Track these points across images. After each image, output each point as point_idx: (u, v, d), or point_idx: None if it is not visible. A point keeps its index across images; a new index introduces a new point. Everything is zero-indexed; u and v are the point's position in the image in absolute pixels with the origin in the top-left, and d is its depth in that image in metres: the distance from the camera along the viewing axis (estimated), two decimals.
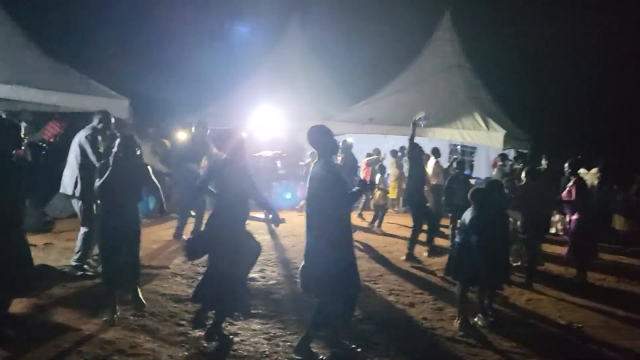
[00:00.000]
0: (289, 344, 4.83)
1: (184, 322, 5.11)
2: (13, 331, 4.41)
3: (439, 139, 13.83)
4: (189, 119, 14.19)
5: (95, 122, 6.36)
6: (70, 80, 10.54)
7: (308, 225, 4.46)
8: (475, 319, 5.61)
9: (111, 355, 4.27)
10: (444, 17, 15.09)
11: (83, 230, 6.23)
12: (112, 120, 6.47)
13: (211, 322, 4.75)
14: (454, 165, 9.13)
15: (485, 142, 12.88)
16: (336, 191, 4.34)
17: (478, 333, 5.42)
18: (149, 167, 5.39)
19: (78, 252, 6.18)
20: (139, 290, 5.39)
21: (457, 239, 5.57)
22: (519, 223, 7.37)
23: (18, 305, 4.93)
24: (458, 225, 5.96)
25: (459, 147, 16.90)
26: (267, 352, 4.63)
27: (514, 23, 19.26)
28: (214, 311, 4.79)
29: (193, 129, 8.83)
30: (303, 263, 4.50)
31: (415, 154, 8.35)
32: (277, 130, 13.69)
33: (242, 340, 4.82)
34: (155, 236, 8.56)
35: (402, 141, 15.82)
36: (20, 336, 4.42)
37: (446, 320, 5.69)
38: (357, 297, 4.67)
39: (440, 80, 14.25)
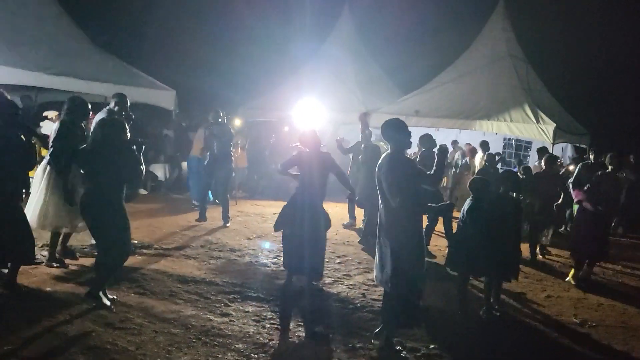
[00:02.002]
0: (275, 326, 4.88)
1: (180, 302, 5.26)
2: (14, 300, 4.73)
3: (492, 133, 13.39)
4: (239, 111, 14.65)
5: (111, 104, 6.62)
6: (119, 71, 11.05)
7: (380, 223, 4.46)
8: (480, 313, 5.43)
9: (98, 327, 4.46)
10: (498, 5, 14.52)
11: None
12: (128, 103, 6.69)
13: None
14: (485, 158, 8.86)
15: (534, 135, 12.29)
16: (405, 184, 4.22)
17: (483, 326, 5.26)
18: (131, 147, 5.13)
19: None
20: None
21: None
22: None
23: (28, 278, 5.28)
24: None
25: (513, 140, 16.31)
26: (250, 333, 4.69)
27: (574, 10, 18.23)
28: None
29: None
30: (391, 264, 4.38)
31: (426, 141, 7.89)
32: (321, 122, 13.71)
33: (230, 321, 4.91)
34: (176, 220, 8.87)
35: (454, 134, 15.60)
36: (20, 306, 4.71)
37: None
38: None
39: (491, 71, 13.71)
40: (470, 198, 5.29)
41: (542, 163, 8.35)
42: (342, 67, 15.18)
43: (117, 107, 6.58)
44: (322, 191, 5.99)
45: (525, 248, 8.53)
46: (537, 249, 8.29)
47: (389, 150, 4.42)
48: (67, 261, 5.99)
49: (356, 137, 10.20)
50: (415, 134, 11.98)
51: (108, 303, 4.85)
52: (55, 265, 5.83)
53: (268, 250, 7.57)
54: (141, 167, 4.98)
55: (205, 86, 13.85)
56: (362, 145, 9.18)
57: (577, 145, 14.03)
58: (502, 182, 5.61)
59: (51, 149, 5.65)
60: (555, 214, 8.33)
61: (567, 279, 7.09)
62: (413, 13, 18.43)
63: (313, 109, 13.23)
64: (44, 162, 5.82)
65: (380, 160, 4.41)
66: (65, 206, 5.51)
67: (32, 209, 5.66)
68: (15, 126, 5.00)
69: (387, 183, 4.23)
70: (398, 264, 4.28)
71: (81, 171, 5.07)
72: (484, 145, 11.86)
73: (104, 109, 6.66)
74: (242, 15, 17.05)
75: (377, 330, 4.67)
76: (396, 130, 4.38)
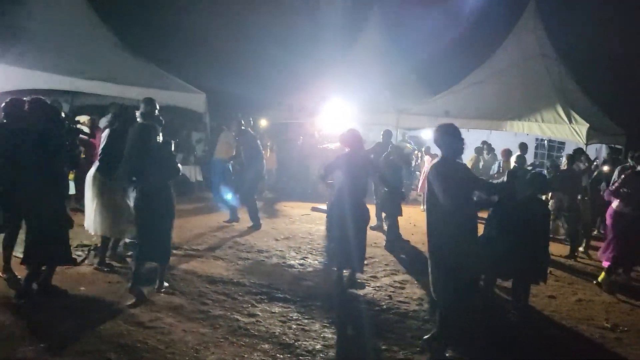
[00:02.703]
0: (302, 327, 4.92)
1: (209, 302, 5.36)
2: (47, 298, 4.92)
3: (523, 134, 13.21)
4: (268, 113, 14.81)
5: (141, 108, 6.76)
6: (150, 75, 11.31)
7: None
8: (508, 316, 5.39)
9: (129, 326, 4.59)
10: (529, 4, 14.30)
11: None
12: (157, 107, 6.82)
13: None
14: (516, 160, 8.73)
15: (567, 136, 12.06)
16: (457, 190, 4.21)
17: (510, 330, 5.20)
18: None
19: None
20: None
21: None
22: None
23: (63, 278, 5.46)
24: None
25: (545, 141, 16.04)
26: (277, 333, 4.74)
27: (608, 7, 17.78)
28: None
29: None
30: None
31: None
32: (349, 123, 13.74)
33: (257, 321, 4.97)
34: (206, 221, 9.03)
35: (485, 136, 15.40)
36: (55, 305, 4.89)
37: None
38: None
39: (522, 71, 13.52)
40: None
41: (564, 160, 8.75)
42: (371, 68, 15.15)
43: (146, 111, 6.70)
44: (364, 188, 6.23)
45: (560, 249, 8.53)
46: (582, 246, 8.56)
47: (440, 156, 4.41)
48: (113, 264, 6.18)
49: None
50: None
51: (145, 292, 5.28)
52: (105, 269, 6.01)
53: (295, 252, 7.62)
54: (178, 164, 5.49)
55: (235, 88, 14.01)
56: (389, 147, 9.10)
57: (612, 145, 13.71)
58: (529, 185, 5.56)
59: (101, 156, 5.86)
60: (582, 209, 8.48)
61: (595, 281, 6.94)
62: (443, 13, 18.30)
63: (341, 110, 13.31)
64: (93, 168, 6.01)
65: (430, 165, 4.41)
66: (113, 212, 5.79)
67: (87, 215, 5.94)
68: (56, 128, 5.15)
69: (438, 189, 4.20)
70: (438, 270, 4.28)
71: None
72: (523, 147, 11.73)
73: (137, 113, 6.81)
74: (271, 17, 17.20)
75: (426, 336, 4.61)
76: (449, 136, 4.35)
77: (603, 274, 6.89)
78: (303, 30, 17.17)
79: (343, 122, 13.60)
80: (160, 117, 6.68)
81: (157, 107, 6.82)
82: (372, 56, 15.55)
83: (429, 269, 4.44)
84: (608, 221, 6.90)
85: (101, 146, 6.06)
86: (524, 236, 5.09)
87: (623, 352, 5.00)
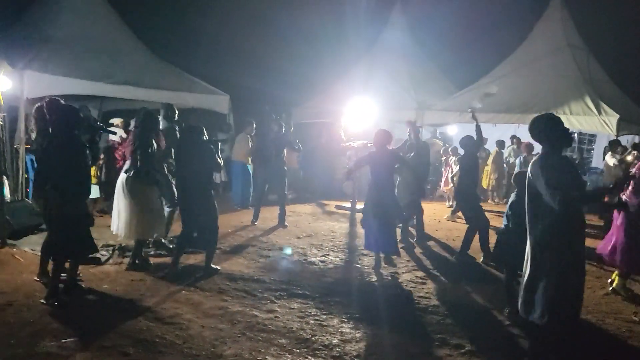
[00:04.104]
0: (319, 322, 4.93)
1: (228, 298, 5.42)
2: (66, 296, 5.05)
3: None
4: (293, 112, 14.85)
5: (162, 113, 6.94)
6: (175, 79, 11.46)
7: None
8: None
9: (149, 322, 4.68)
10: None
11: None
12: (176, 111, 7.00)
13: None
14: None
15: (596, 128, 11.74)
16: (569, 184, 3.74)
17: (526, 324, 5.09)
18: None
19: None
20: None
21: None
22: None
23: (87, 276, 5.60)
24: None
25: (575, 134, 15.66)
26: (294, 328, 4.76)
27: None
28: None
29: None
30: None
31: (465, 143, 7.68)
32: (372, 121, 13.68)
33: (275, 317, 5.00)
34: (229, 220, 9.17)
35: (512, 130, 15.14)
36: (74, 302, 5.02)
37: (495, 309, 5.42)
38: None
39: (549, 62, 13.19)
40: (514, 192, 5.16)
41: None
42: (395, 65, 15.03)
43: (168, 115, 6.91)
44: (391, 183, 6.86)
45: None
46: None
47: (540, 151, 4.01)
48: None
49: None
50: (469, 131, 11.77)
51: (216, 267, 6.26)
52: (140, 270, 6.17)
53: (317, 249, 7.64)
54: (219, 160, 6.14)
55: (258, 86, 14.13)
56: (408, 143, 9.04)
57: None
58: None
59: (136, 161, 6.00)
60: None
61: (611, 287, 6.37)
62: (467, 6, 18.05)
63: (366, 107, 13.24)
64: (122, 174, 6.13)
65: (530, 166, 3.95)
66: (145, 216, 5.99)
67: (117, 220, 6.08)
68: (75, 129, 5.25)
69: (545, 185, 3.71)
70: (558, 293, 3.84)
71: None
72: None
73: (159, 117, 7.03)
74: (295, 15, 17.24)
75: None
76: (549, 126, 3.92)
77: (616, 278, 6.33)
78: (327, 27, 17.16)
79: (367, 120, 13.60)
80: (179, 120, 6.87)
81: (177, 111, 7.05)
82: (395, 53, 15.42)
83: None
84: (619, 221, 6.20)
85: (133, 150, 6.11)
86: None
87: None
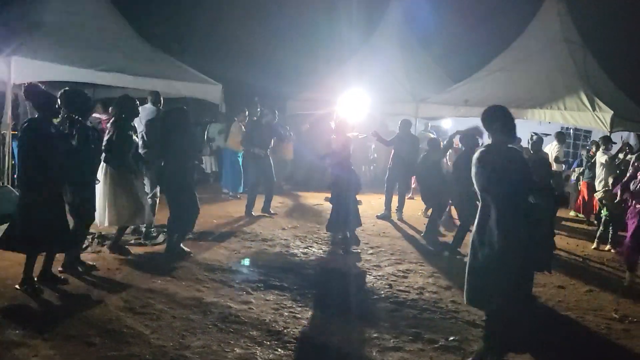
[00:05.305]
0: (294, 315, 4.87)
1: (204, 289, 5.36)
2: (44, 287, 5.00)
3: (545, 122, 12.88)
4: (287, 104, 14.74)
5: (149, 99, 6.91)
6: (167, 67, 11.34)
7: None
8: None
9: (119, 311, 4.62)
10: None
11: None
12: (162, 99, 6.94)
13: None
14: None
15: (590, 124, 11.64)
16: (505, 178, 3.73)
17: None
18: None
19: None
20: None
21: None
22: None
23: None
24: None
25: (570, 130, 15.55)
26: (267, 320, 4.70)
27: None
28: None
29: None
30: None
31: (466, 142, 7.40)
32: (367, 113, 13.57)
33: (249, 308, 4.95)
34: (216, 211, 9.11)
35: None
36: (51, 291, 4.98)
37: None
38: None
39: (545, 57, 13.07)
40: None
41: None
42: (391, 57, 14.89)
43: (154, 101, 6.87)
44: (350, 162, 7.57)
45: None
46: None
47: (486, 143, 4.00)
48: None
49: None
50: (464, 124, 11.67)
51: (187, 249, 6.44)
52: (128, 257, 6.21)
53: (300, 241, 7.58)
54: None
55: (251, 78, 14.03)
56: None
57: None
58: (536, 170, 5.37)
59: (106, 147, 5.90)
60: None
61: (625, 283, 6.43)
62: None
63: (359, 100, 13.14)
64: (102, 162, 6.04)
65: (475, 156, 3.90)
66: (120, 201, 5.91)
67: (98, 207, 5.91)
68: (53, 117, 5.18)
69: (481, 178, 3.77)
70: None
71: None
72: (560, 136, 11.49)
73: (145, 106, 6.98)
74: (289, 6, 17.09)
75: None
76: (496, 118, 3.91)
77: (627, 275, 6.42)
78: (323, 19, 17.02)
79: (362, 111, 13.49)
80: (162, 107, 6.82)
81: (162, 98, 7.05)
82: (392, 45, 15.29)
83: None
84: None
85: (106, 137, 6.07)
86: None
87: (629, 344, 4.80)
